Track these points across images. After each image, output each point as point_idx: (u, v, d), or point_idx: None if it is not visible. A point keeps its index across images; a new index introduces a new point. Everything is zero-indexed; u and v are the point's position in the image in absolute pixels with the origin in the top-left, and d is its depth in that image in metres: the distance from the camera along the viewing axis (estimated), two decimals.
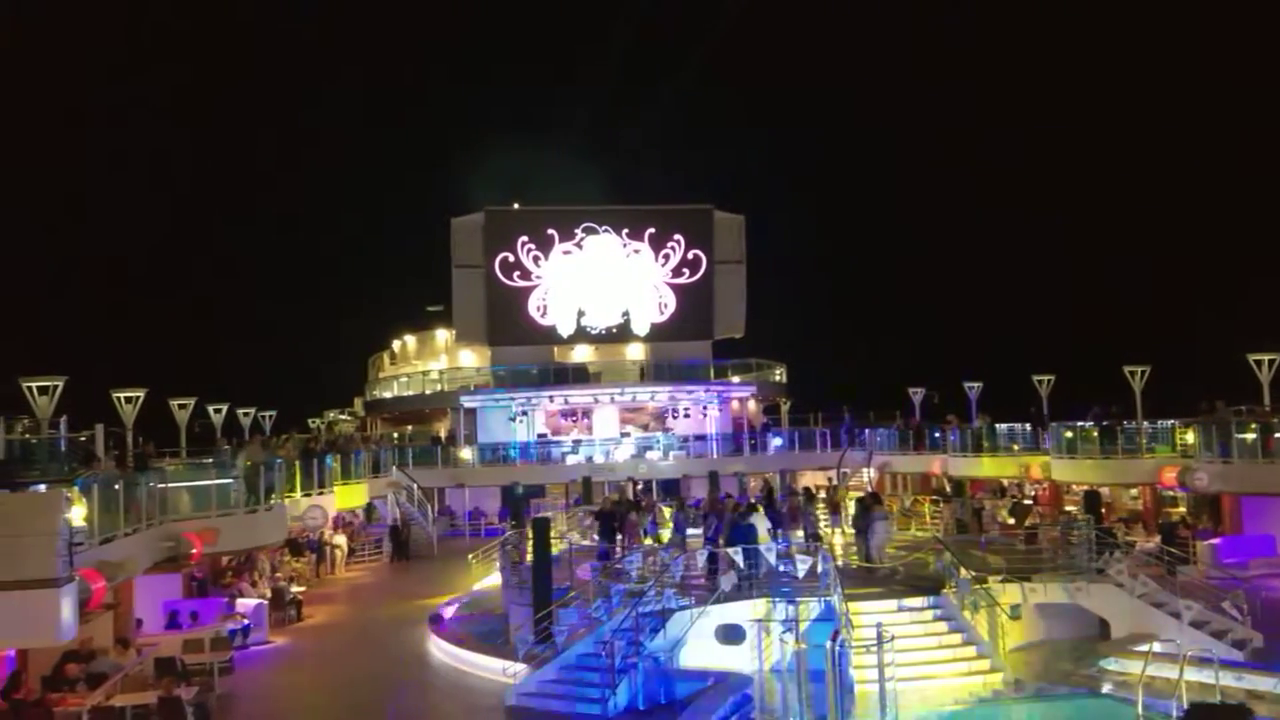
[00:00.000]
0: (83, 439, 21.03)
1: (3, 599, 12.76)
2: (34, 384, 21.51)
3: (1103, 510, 30.81)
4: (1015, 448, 38.50)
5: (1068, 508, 33.52)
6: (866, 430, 47.54)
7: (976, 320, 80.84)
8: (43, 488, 16.15)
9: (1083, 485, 33.08)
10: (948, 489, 39.25)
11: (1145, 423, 32.86)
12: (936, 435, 42.50)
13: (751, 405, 54.48)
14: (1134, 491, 35.59)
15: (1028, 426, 38.00)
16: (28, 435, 20.55)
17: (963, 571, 21.16)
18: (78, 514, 15.23)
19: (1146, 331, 60.96)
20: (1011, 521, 30.92)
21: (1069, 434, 33.47)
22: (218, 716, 17.31)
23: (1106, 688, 18.69)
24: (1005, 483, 40.29)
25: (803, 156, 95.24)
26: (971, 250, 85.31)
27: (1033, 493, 38.21)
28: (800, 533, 25.93)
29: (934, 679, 19.10)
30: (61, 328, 69.66)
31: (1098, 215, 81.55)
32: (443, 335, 57.20)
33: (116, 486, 18.01)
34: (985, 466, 38.96)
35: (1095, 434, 32.52)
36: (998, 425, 39.51)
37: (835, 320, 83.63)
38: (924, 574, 22.97)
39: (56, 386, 21.53)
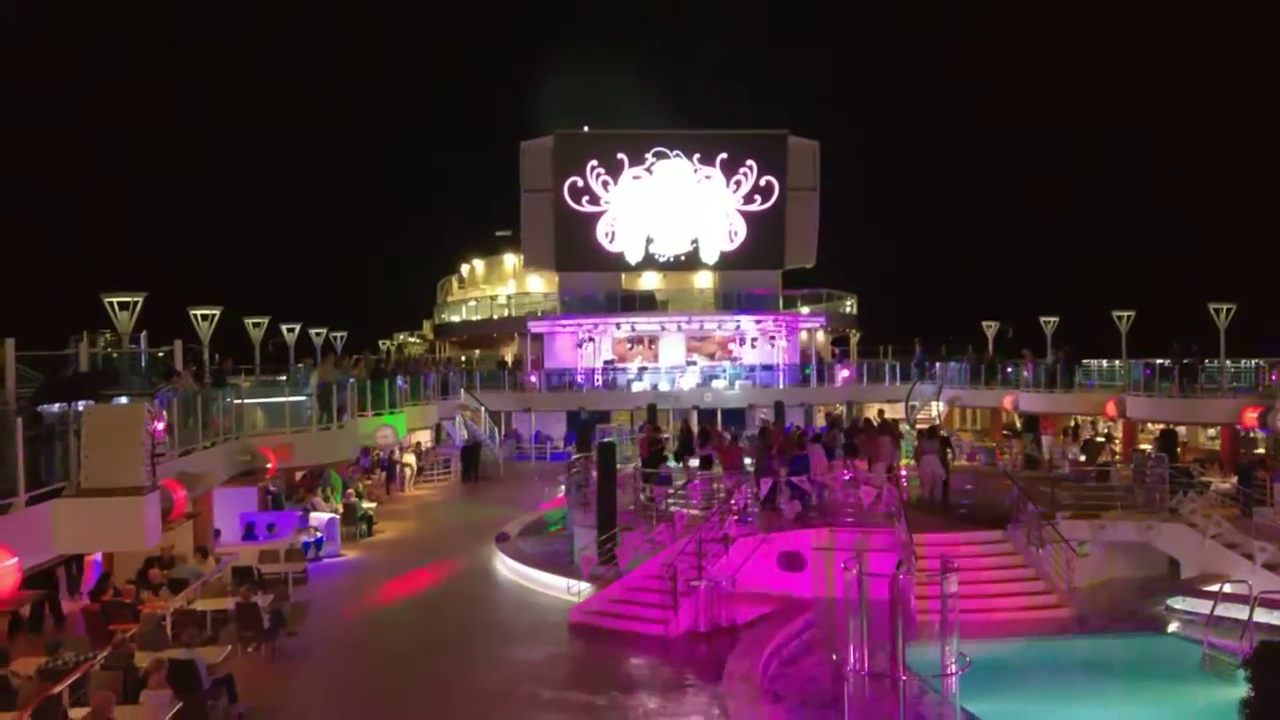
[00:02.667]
0: (161, 354, 21.51)
1: (92, 505, 13.19)
2: (115, 299, 22.02)
3: (1178, 450, 30.20)
4: (1087, 385, 37.78)
5: (1142, 446, 32.95)
6: (937, 364, 47.03)
7: (1058, 253, 79.20)
8: (125, 400, 16.57)
9: (1159, 424, 32.39)
10: (1018, 425, 38.73)
11: (1228, 362, 32.03)
12: (1009, 370, 41.78)
13: (820, 336, 54.03)
14: (1212, 431, 34.83)
15: (1104, 363, 37.27)
16: (110, 350, 21.10)
17: (1030, 506, 20.96)
18: (159, 426, 15.64)
19: (1233, 267, 59.20)
20: (1083, 458, 30.49)
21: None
22: (292, 623, 17.83)
23: (1173, 626, 18.51)
24: (1077, 420, 39.62)
25: (880, 79, 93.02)
26: (1052, 181, 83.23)
27: (1106, 430, 37.56)
28: (874, 464, 25.76)
29: (997, 612, 19.01)
30: (142, 245, 71.19)
31: (1181, 147, 78.83)
32: (511, 260, 57.33)
33: (195, 401, 18.51)
34: (1059, 403, 38.25)
35: (1174, 373, 31.79)
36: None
37: (910, 251, 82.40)
38: (992, 508, 22.81)
39: (136, 302, 22.03)
